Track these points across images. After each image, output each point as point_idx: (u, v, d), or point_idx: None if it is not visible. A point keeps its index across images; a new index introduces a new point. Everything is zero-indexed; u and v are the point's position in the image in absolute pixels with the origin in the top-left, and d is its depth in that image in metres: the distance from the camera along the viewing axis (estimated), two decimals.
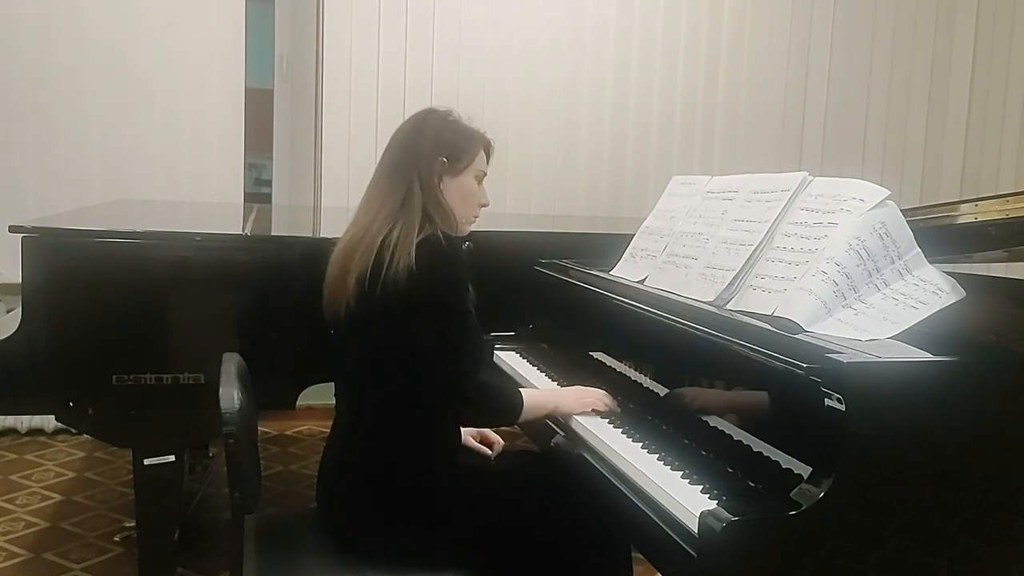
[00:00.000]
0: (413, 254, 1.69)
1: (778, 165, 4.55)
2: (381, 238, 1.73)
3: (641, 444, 1.67)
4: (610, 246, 2.32)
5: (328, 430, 1.96)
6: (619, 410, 1.87)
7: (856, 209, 1.57)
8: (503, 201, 3.98)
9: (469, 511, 1.74)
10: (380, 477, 1.74)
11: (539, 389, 2.00)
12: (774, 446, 1.43)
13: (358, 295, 1.73)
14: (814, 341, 1.40)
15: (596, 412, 1.86)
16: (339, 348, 1.86)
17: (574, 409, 1.86)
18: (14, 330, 2.15)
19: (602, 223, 3.85)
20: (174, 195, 3.92)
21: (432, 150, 1.83)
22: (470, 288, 1.78)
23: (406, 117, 1.95)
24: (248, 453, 1.58)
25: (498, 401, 1.83)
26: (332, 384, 2.54)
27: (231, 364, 1.72)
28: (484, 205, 1.95)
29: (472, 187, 1.90)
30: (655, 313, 1.80)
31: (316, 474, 1.93)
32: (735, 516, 1.23)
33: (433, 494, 1.73)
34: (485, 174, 1.94)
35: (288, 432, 4.14)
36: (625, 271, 2.19)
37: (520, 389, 1.90)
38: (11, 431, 3.97)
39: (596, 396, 1.89)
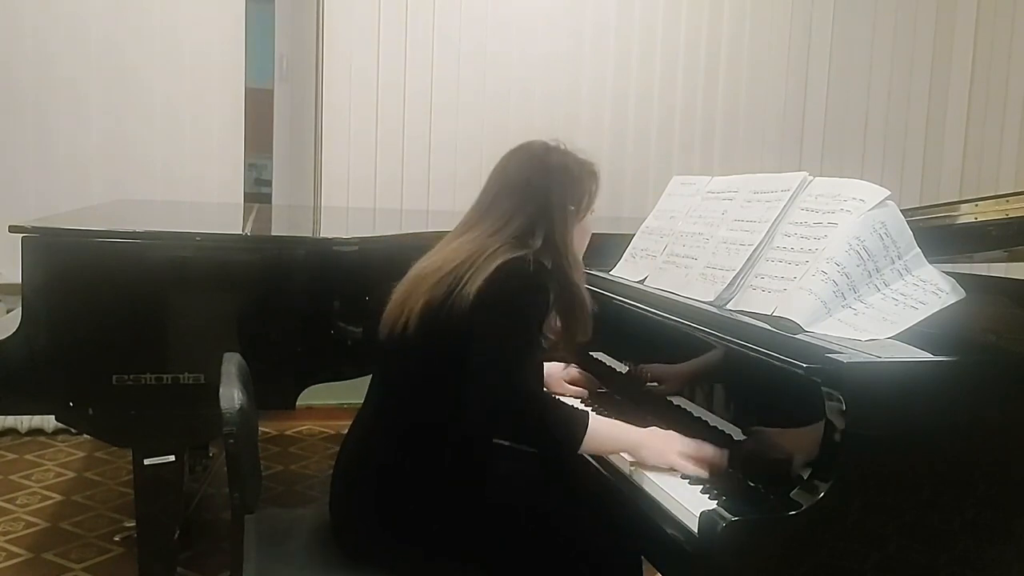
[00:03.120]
0: (491, 270, 1.62)
1: (778, 165, 4.54)
2: (467, 265, 1.66)
3: None
4: (610, 246, 2.32)
5: (329, 430, 1.95)
6: (721, 464, 1.54)
7: (856, 209, 1.57)
8: None
9: (474, 516, 1.73)
10: (396, 481, 1.71)
11: (627, 429, 1.66)
12: None
13: (421, 316, 1.67)
14: (814, 341, 1.40)
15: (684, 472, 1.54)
16: (383, 358, 1.81)
17: (659, 462, 1.56)
18: (14, 330, 2.15)
19: (602, 223, 3.82)
20: (174, 195, 3.92)
21: (561, 198, 1.76)
22: (547, 316, 1.68)
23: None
24: (248, 453, 1.58)
25: (559, 416, 1.61)
26: (332, 384, 2.55)
27: (231, 364, 1.71)
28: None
29: (590, 224, 1.87)
30: (655, 313, 1.80)
31: (316, 474, 1.92)
32: (735, 516, 1.23)
33: (444, 500, 1.72)
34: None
35: (288, 432, 4.13)
36: (625, 271, 2.19)
37: (590, 414, 1.66)
38: (11, 431, 3.97)
39: (707, 456, 1.55)
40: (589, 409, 1.89)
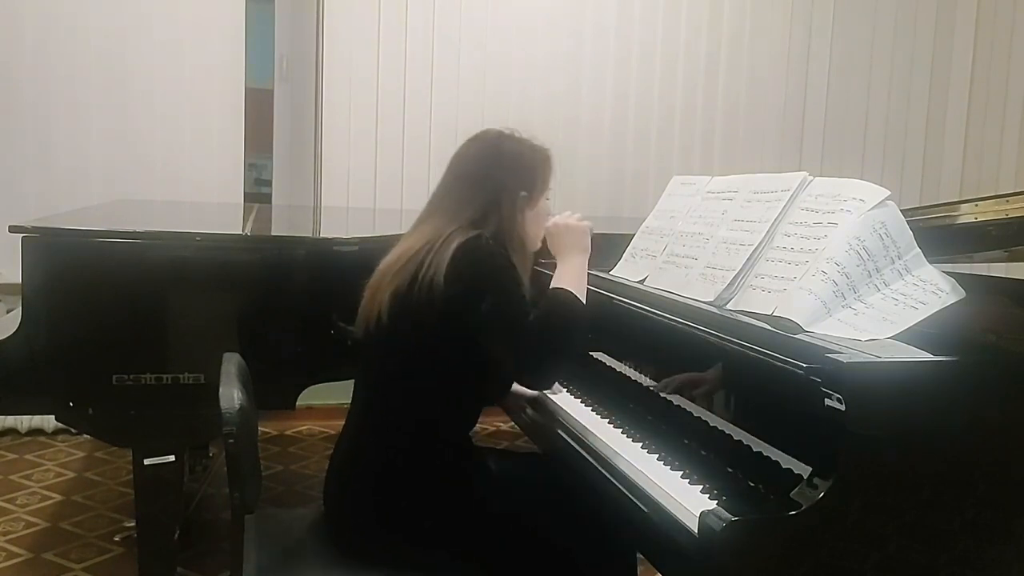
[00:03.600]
0: (450, 253, 1.67)
1: (778, 165, 4.54)
2: (424, 251, 1.71)
3: (641, 444, 1.67)
4: (610, 246, 2.32)
5: (329, 430, 1.96)
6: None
7: (856, 209, 1.57)
8: None
9: (471, 513, 1.74)
10: (388, 479, 1.73)
11: (561, 273, 1.84)
12: (774, 446, 1.43)
13: (391, 306, 1.72)
14: (814, 341, 1.40)
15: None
16: (363, 356, 1.85)
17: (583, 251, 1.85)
18: (14, 330, 2.15)
19: (602, 223, 3.83)
20: (174, 195, 3.91)
21: (514, 185, 1.82)
22: (515, 282, 1.72)
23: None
24: (248, 453, 1.58)
25: (561, 316, 1.70)
26: (332, 384, 2.54)
27: (231, 364, 1.72)
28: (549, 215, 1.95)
29: (545, 208, 1.91)
30: (655, 313, 1.80)
31: (316, 474, 1.93)
32: (735, 516, 1.23)
33: (438, 498, 1.73)
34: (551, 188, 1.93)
35: (288, 432, 4.13)
36: (625, 271, 2.19)
37: (559, 289, 1.76)
38: (11, 431, 3.97)
39: (579, 226, 1.87)
40: (586, 406, 1.91)
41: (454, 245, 1.69)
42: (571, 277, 1.79)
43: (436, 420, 1.75)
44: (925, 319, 1.47)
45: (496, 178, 1.81)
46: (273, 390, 2.19)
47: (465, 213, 1.78)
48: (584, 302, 1.74)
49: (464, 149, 1.90)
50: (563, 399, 2.01)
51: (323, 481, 1.86)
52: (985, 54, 4.80)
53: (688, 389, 1.73)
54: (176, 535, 2.30)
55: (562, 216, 1.89)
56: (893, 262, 1.55)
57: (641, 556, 1.68)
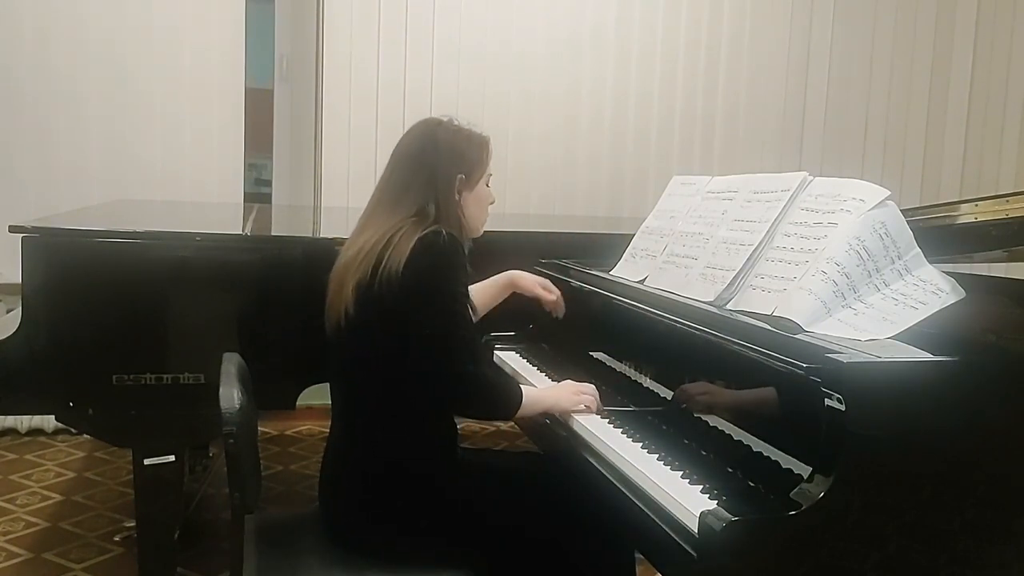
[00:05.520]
0: (410, 247, 1.71)
1: (778, 165, 4.54)
2: (383, 244, 1.74)
3: (641, 444, 1.67)
4: (610, 246, 2.32)
5: (329, 430, 1.96)
6: (601, 407, 1.87)
7: (856, 209, 1.57)
8: (503, 201, 3.96)
9: (470, 512, 1.74)
10: (379, 478, 1.74)
11: (534, 387, 2.00)
12: (774, 446, 1.43)
13: (356, 299, 1.74)
14: (814, 341, 1.40)
15: (590, 409, 1.85)
16: (336, 354, 1.86)
17: (570, 408, 1.84)
18: (14, 330, 2.15)
19: (602, 223, 3.84)
20: (174, 195, 3.92)
21: (449, 168, 1.85)
22: (466, 284, 1.78)
23: (407, 116, 1.96)
24: (248, 453, 1.59)
25: (493, 393, 1.79)
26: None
27: (231, 364, 1.72)
28: (492, 203, 1.99)
29: (486, 192, 1.95)
30: (655, 313, 1.80)
31: (316, 474, 1.94)
32: (735, 516, 1.23)
33: (433, 495, 1.74)
34: (492, 175, 1.97)
35: (288, 432, 4.14)
36: (625, 271, 2.19)
37: (521, 386, 1.89)
38: (11, 431, 3.97)
39: (591, 391, 1.88)
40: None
41: (414, 239, 1.72)
42: (539, 395, 1.88)
43: (419, 411, 1.75)
44: (925, 319, 1.47)
45: (431, 163, 1.85)
46: (273, 390, 2.19)
47: (407, 202, 1.81)
48: (516, 412, 1.80)
49: (402, 140, 1.93)
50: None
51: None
52: (985, 54, 4.80)
53: (698, 399, 1.73)
54: (176, 535, 2.30)
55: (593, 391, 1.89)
56: (893, 262, 1.55)
57: (641, 556, 1.68)
